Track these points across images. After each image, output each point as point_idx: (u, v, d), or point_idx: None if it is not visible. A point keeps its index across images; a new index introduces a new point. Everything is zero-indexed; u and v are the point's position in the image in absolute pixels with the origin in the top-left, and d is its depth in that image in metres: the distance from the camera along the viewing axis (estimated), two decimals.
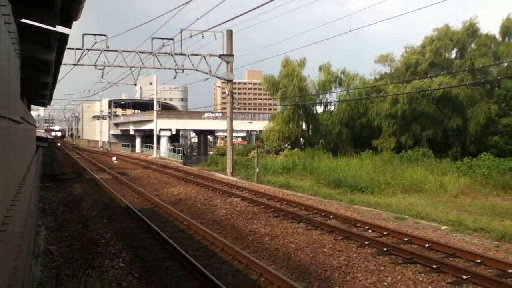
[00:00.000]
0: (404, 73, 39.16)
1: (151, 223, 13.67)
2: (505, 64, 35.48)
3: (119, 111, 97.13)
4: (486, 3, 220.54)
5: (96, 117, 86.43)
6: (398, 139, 35.98)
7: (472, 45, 37.30)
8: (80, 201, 19.09)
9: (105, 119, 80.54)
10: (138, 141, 71.28)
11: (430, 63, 37.38)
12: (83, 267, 9.71)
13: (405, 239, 11.75)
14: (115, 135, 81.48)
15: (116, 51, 28.59)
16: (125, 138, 77.15)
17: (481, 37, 36.70)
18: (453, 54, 38.67)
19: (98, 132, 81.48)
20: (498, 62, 34.72)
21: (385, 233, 12.57)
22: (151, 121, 59.58)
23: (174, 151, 53.94)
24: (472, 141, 34.22)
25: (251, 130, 63.95)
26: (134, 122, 72.41)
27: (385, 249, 10.80)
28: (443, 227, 13.64)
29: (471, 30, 36.66)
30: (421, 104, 36.61)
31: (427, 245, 11.12)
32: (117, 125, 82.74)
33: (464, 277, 8.69)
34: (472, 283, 8.51)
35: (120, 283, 8.88)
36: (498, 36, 36.97)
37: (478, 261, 9.81)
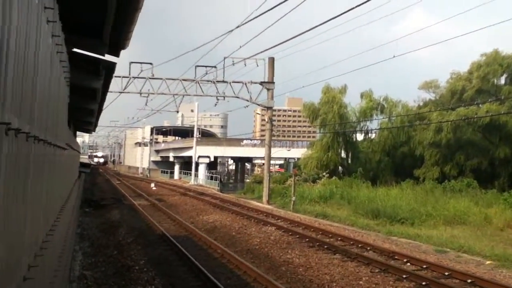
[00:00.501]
0: (449, 100, 38.20)
1: (185, 251, 13.66)
2: None
3: (160, 138, 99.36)
4: None
5: (138, 144, 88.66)
6: (441, 168, 34.89)
7: None
8: (117, 226, 19.39)
9: (146, 145, 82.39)
10: (177, 167, 72.35)
11: (477, 89, 36.27)
12: None
13: (446, 274, 11.21)
14: (155, 162, 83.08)
15: (161, 79, 29.45)
16: (165, 164, 78.49)
17: None
18: (502, 80, 37.49)
19: (139, 159, 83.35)
20: None
21: (424, 266, 12.04)
22: (190, 148, 60.50)
23: (211, 178, 54.35)
24: None
25: (289, 158, 63.78)
26: (174, 149, 73.76)
27: (424, 283, 10.33)
28: (488, 262, 12.93)
29: None
30: (466, 132, 35.48)
31: (469, 281, 10.55)
32: (157, 151, 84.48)
33: None
34: None
35: None
36: None
37: None
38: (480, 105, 33.17)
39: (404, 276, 10.98)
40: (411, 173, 36.00)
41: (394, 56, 23.78)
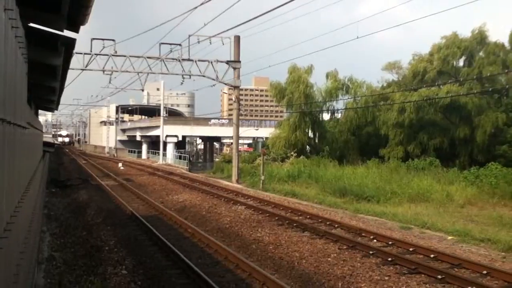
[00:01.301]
0: (412, 81, 39.02)
1: (155, 230, 13.65)
2: None
3: (126, 116, 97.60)
4: (495, 12, 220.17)
5: (103, 123, 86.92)
6: (405, 148, 35.80)
7: (481, 53, 37.10)
8: (85, 207, 19.14)
9: (112, 124, 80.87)
10: (144, 147, 71.48)
11: (438, 71, 37.22)
12: (86, 274, 9.70)
13: (410, 249, 11.65)
14: (121, 141, 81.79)
15: (124, 56, 28.78)
16: (132, 144, 77.43)
17: (490, 45, 36.50)
18: (461, 62, 38.48)
19: (105, 138, 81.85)
20: (506, 70, 34.54)
21: (390, 242, 12.46)
22: (157, 127, 59.80)
23: (180, 157, 54.05)
24: (480, 150, 33.99)
25: (257, 137, 63.97)
26: (141, 128, 72.71)
27: (390, 259, 10.70)
28: (449, 237, 13.51)
29: (480, 38, 36.49)
30: (428, 112, 36.44)
31: (432, 256, 11.01)
32: (124, 131, 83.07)
33: None
34: None
35: None
36: (507, 45, 36.75)
37: (484, 272, 9.69)
38: (441, 86, 34.06)
39: (371, 252, 11.34)
40: (377, 152, 36.82)
41: (357, 37, 23.96)
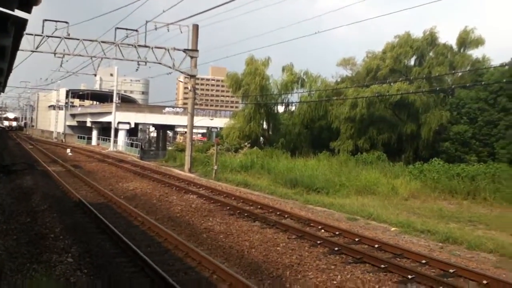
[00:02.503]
0: (365, 77, 40.12)
1: (103, 218, 13.38)
2: (459, 74, 37.04)
3: (76, 101, 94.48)
4: (447, 15, 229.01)
5: (52, 107, 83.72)
6: (355, 142, 36.85)
7: (431, 54, 38.70)
8: (30, 193, 18.42)
9: (62, 109, 78.13)
10: (94, 133, 69.63)
11: (390, 69, 38.47)
12: (29, 262, 9.40)
13: (356, 239, 12.07)
14: (71, 127, 79.23)
15: (77, 39, 27.81)
16: (82, 130, 75.25)
17: (439, 46, 38.15)
18: (412, 62, 39.99)
19: (54, 123, 78.96)
20: (453, 71, 36.21)
21: (337, 233, 12.85)
22: (109, 113, 58.34)
23: (131, 145, 53.03)
24: (425, 146, 35.55)
25: (212, 127, 63.76)
26: (92, 114, 70.66)
27: (336, 248, 11.04)
28: (393, 229, 14.11)
29: (430, 39, 38.05)
30: (379, 108, 37.64)
31: (376, 246, 11.46)
32: (73, 116, 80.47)
33: (410, 276, 9.03)
34: (416, 282, 8.85)
35: (68, 279, 8.66)
36: (455, 47, 38.56)
37: (423, 261, 10.20)
38: (392, 84, 35.27)
39: (319, 242, 11.66)
40: (328, 145, 37.69)
41: (316, 32, 24.36)
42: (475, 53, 38.04)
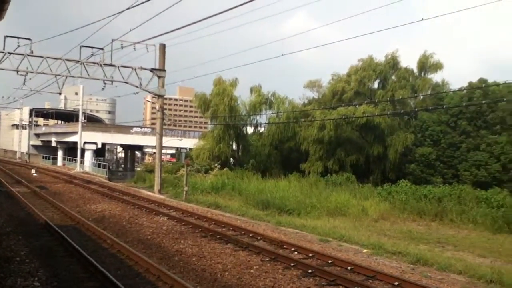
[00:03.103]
0: (331, 99, 40.91)
1: (71, 241, 12.95)
2: (421, 97, 38.36)
3: (40, 121, 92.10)
4: (406, 38, 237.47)
5: (15, 126, 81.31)
6: (325, 163, 37.25)
7: (393, 77, 39.99)
8: None
9: (25, 128, 75.98)
10: (60, 153, 67.92)
11: (355, 91, 39.44)
12: None
13: (329, 261, 12.09)
14: (35, 146, 77.06)
15: (41, 57, 27.22)
16: (46, 150, 73.29)
17: (401, 70, 39.52)
18: (376, 85, 41.18)
19: (17, 142, 76.61)
20: (415, 95, 37.45)
21: (310, 255, 12.84)
22: (75, 133, 57.09)
23: (99, 165, 51.92)
24: (392, 167, 36.31)
25: (181, 148, 63.24)
26: (57, 133, 68.97)
27: (310, 271, 11.02)
28: (365, 250, 14.23)
29: (392, 63, 39.40)
30: (346, 130, 38.33)
31: (349, 268, 11.50)
32: (38, 135, 78.36)
33: None
34: None
35: None
36: (415, 71, 40.04)
37: (396, 283, 10.29)
38: (358, 106, 36.11)
39: (292, 264, 11.62)
40: (298, 166, 37.97)
41: (282, 55, 24.63)
42: (435, 77, 39.68)
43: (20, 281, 9.48)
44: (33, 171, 42.79)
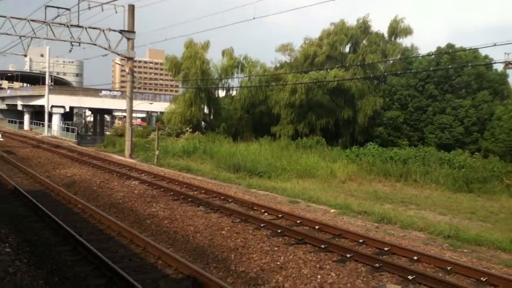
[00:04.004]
0: (303, 63, 40.92)
1: (41, 206, 12.93)
2: (391, 62, 38.83)
3: (5, 83, 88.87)
4: (379, 3, 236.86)
5: None
6: (296, 127, 37.66)
7: (364, 42, 40.13)
8: None
9: None
10: (26, 117, 66.11)
11: (327, 55, 39.54)
12: None
13: (298, 222, 12.53)
14: (0, 110, 74.65)
15: (4, 17, 26.12)
16: (12, 113, 71.12)
17: (372, 35, 39.66)
18: (347, 49, 41.30)
19: None
20: (385, 59, 37.87)
21: (279, 215, 13.25)
22: (42, 96, 55.48)
23: (67, 130, 50.99)
24: (360, 131, 37.07)
25: (152, 112, 62.53)
26: (23, 97, 66.82)
27: (279, 230, 11.42)
28: (332, 210, 14.76)
29: (364, 28, 39.45)
30: (317, 94, 38.64)
31: (317, 227, 11.97)
32: (2, 99, 75.79)
33: (348, 255, 9.57)
34: (354, 261, 9.40)
35: (5, 269, 8.37)
36: (386, 35, 40.25)
37: (361, 241, 10.82)
38: (329, 70, 36.33)
39: (262, 225, 11.99)
40: (269, 130, 38.27)
41: (254, 18, 24.36)
42: (405, 42, 40.08)
43: None
44: None
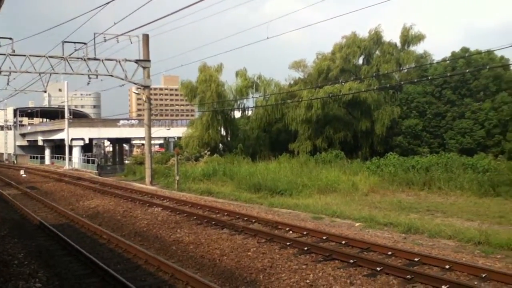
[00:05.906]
0: (317, 78, 41.00)
1: (67, 239, 13.05)
2: (406, 70, 38.62)
3: (25, 120, 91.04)
4: (388, 13, 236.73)
5: (0, 128, 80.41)
6: (313, 142, 37.55)
7: (377, 52, 40.09)
8: None
9: (10, 129, 75.12)
10: (47, 152, 67.37)
11: (341, 69, 39.57)
12: None
13: (324, 238, 12.38)
14: (21, 147, 76.29)
15: (24, 55, 27.00)
16: (33, 149, 72.60)
17: (385, 44, 39.59)
18: (361, 61, 41.31)
19: (3, 144, 75.75)
20: (399, 68, 37.71)
21: (304, 233, 13.12)
22: (61, 130, 56.61)
23: (87, 161, 51.68)
24: (379, 141, 36.74)
25: (169, 137, 63.08)
26: (43, 132, 68.30)
27: (305, 248, 11.30)
28: (357, 224, 14.56)
29: (376, 38, 39.44)
30: (333, 108, 38.55)
31: (343, 242, 11.81)
32: (23, 135, 77.56)
33: (378, 269, 9.39)
34: (385, 274, 9.22)
35: None
36: (399, 44, 40.14)
37: (389, 253, 10.63)
38: (344, 83, 36.28)
39: (288, 243, 11.88)
40: (287, 147, 38.21)
41: (268, 38, 24.62)
42: (418, 48, 39.86)
43: (22, 283, 9.55)
44: (22, 172, 42.47)
